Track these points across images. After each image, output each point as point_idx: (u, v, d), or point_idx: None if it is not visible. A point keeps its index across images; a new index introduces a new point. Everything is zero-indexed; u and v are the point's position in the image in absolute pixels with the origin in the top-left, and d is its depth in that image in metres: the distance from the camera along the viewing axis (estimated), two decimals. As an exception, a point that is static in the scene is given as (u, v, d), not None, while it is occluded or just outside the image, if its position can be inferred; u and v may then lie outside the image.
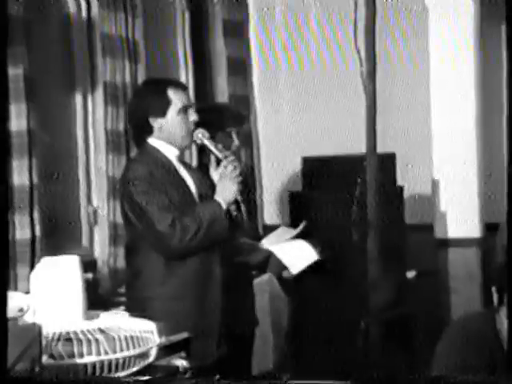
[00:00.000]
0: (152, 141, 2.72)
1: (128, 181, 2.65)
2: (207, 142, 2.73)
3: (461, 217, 4.52)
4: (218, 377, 1.75)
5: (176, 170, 2.72)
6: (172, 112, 2.69)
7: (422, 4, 4.55)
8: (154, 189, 2.61)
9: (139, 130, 2.73)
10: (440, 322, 3.80)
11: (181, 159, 2.77)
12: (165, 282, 2.64)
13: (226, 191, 2.66)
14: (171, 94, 2.69)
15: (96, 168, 3.91)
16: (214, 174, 2.75)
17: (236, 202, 2.69)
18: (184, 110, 2.70)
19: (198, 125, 2.74)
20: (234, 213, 2.69)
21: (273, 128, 5.11)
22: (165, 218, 2.57)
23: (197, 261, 2.66)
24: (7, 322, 1.58)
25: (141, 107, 2.71)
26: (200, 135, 2.73)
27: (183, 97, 2.72)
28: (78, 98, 3.92)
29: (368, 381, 1.85)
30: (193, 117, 2.72)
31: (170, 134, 2.69)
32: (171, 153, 2.72)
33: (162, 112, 2.68)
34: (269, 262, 3.57)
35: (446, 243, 4.55)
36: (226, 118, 3.19)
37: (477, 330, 1.96)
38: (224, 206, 2.65)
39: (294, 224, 4.23)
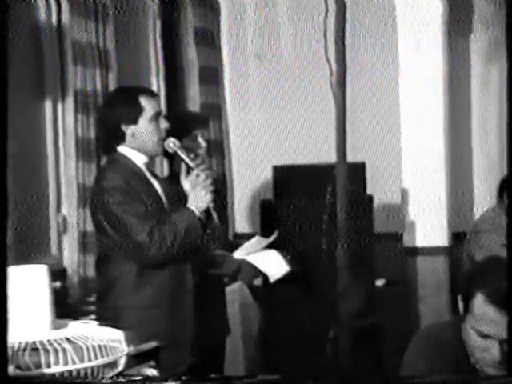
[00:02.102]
0: (122, 149, 2.72)
1: (104, 190, 2.64)
2: (179, 151, 2.74)
3: (429, 226, 4.57)
4: (185, 378, 1.75)
5: (147, 179, 2.73)
6: (144, 119, 2.70)
7: (391, 13, 4.60)
8: (131, 198, 2.61)
9: (110, 137, 2.73)
10: (408, 331, 3.82)
11: (149, 168, 2.77)
12: (138, 292, 2.64)
13: (199, 200, 2.67)
14: (143, 101, 2.70)
15: (66, 175, 3.89)
16: (185, 183, 2.75)
17: (206, 210, 2.69)
18: (156, 117, 2.72)
19: (167, 132, 2.76)
20: (203, 221, 2.69)
21: (244, 136, 5.13)
22: (143, 227, 2.58)
23: (170, 270, 2.66)
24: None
25: (113, 114, 2.71)
26: (172, 144, 2.74)
27: (155, 104, 2.74)
28: (48, 106, 3.90)
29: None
30: (164, 124, 2.73)
31: (142, 141, 2.70)
32: (141, 160, 2.72)
33: (134, 119, 2.69)
34: (241, 269, 3.57)
35: (414, 252, 4.59)
36: (188, 123, 3.20)
37: (443, 339, 1.97)
38: (198, 215, 2.66)
39: (264, 232, 4.25)
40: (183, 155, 2.74)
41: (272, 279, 3.64)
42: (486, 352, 1.88)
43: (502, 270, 1.91)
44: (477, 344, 1.89)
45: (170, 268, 2.65)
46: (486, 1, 4.77)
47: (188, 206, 2.68)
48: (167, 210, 2.70)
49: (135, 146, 2.70)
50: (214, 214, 2.70)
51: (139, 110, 2.69)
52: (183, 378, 1.75)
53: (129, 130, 2.69)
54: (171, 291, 2.68)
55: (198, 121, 3.27)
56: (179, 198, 2.74)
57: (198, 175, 2.69)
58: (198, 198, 2.67)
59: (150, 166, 2.79)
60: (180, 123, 3.18)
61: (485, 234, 4.11)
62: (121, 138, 2.70)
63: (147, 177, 2.72)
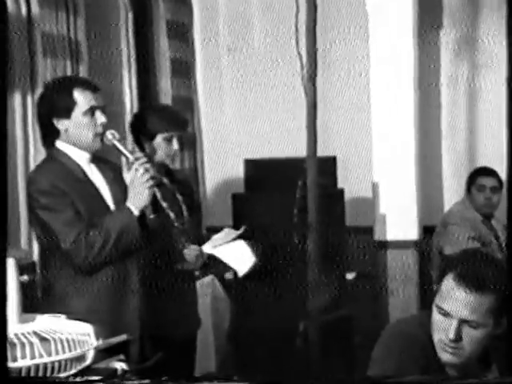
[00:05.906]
0: (60, 144, 2.58)
1: (30, 194, 2.53)
2: (117, 143, 2.57)
3: (400, 219, 4.60)
4: (165, 377, 1.75)
5: (86, 176, 2.58)
6: (77, 113, 2.54)
7: (362, 8, 4.62)
8: (56, 203, 2.47)
9: (45, 131, 2.60)
10: (378, 324, 3.86)
11: (93, 161, 2.62)
12: (78, 296, 2.51)
13: (138, 196, 2.51)
14: (77, 94, 2.55)
15: (36, 169, 3.85)
16: (127, 177, 2.60)
17: (154, 204, 2.57)
18: (91, 112, 2.56)
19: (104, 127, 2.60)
20: (151, 216, 2.57)
21: (216, 130, 5.12)
22: (68, 235, 2.45)
23: (111, 271, 2.53)
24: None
25: (45, 107, 2.57)
26: (110, 136, 2.58)
27: (90, 98, 2.56)
28: (17, 98, 3.86)
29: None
30: (101, 119, 2.57)
31: (76, 136, 2.56)
32: (81, 157, 2.58)
33: (66, 113, 2.54)
34: (209, 264, 3.57)
35: (385, 245, 4.62)
36: (167, 121, 3.08)
37: (411, 334, 1.98)
38: (136, 213, 2.51)
39: (236, 226, 4.25)
40: (122, 148, 2.57)
41: (241, 274, 3.63)
42: (443, 333, 1.90)
43: (478, 256, 1.96)
44: (437, 324, 1.92)
45: (111, 270, 2.51)
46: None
47: (127, 204, 2.52)
48: (112, 206, 2.57)
49: (71, 141, 2.56)
50: (171, 214, 2.63)
51: (72, 104, 2.53)
52: (148, 380, 1.74)
53: (61, 124, 2.55)
54: (115, 292, 2.54)
55: (178, 122, 3.14)
56: (125, 192, 2.58)
57: (136, 169, 2.52)
58: (137, 194, 2.51)
59: (95, 161, 2.63)
60: (159, 119, 3.08)
61: (453, 228, 4.17)
62: (55, 132, 2.56)
63: (86, 175, 2.58)
